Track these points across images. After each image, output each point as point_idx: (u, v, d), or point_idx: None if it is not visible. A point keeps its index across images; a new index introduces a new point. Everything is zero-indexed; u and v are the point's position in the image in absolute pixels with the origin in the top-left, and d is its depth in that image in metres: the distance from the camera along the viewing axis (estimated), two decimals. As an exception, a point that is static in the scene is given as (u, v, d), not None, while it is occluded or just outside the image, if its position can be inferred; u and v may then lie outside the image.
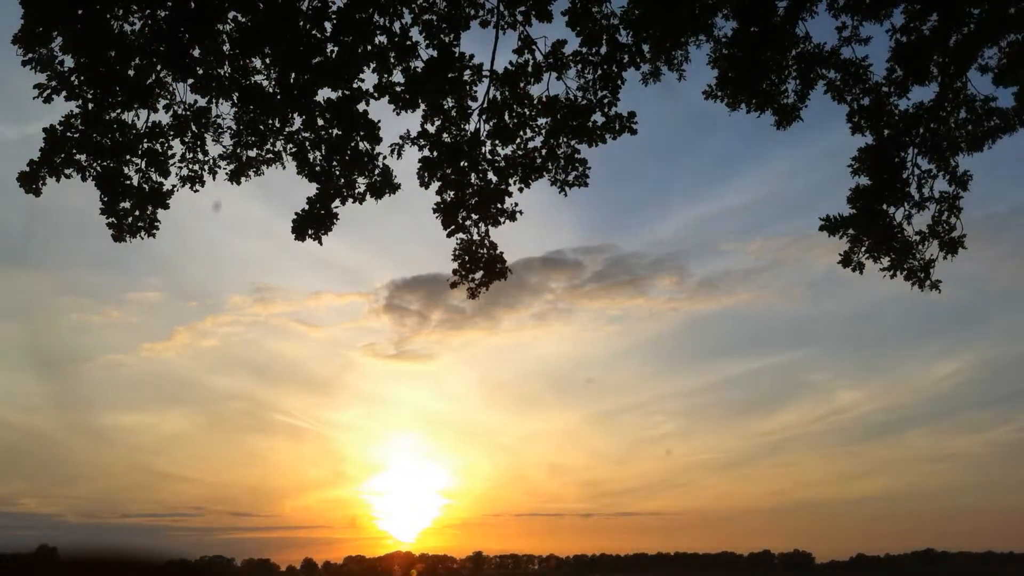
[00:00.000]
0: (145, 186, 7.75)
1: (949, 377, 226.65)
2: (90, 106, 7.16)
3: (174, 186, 7.91)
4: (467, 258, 8.55)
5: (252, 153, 8.22)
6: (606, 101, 7.96)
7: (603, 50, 7.82)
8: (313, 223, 8.13)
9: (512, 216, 8.44)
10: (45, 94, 6.95)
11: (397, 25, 7.41)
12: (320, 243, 8.08)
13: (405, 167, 8.20)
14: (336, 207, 8.15)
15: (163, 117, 7.68)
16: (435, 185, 8.27)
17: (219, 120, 7.93)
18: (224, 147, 8.15)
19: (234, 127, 8.04)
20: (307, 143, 7.99)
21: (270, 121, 7.94)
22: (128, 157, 7.60)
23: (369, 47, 7.39)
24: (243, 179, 8.25)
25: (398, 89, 7.59)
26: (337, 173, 8.08)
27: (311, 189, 8.11)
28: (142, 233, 7.77)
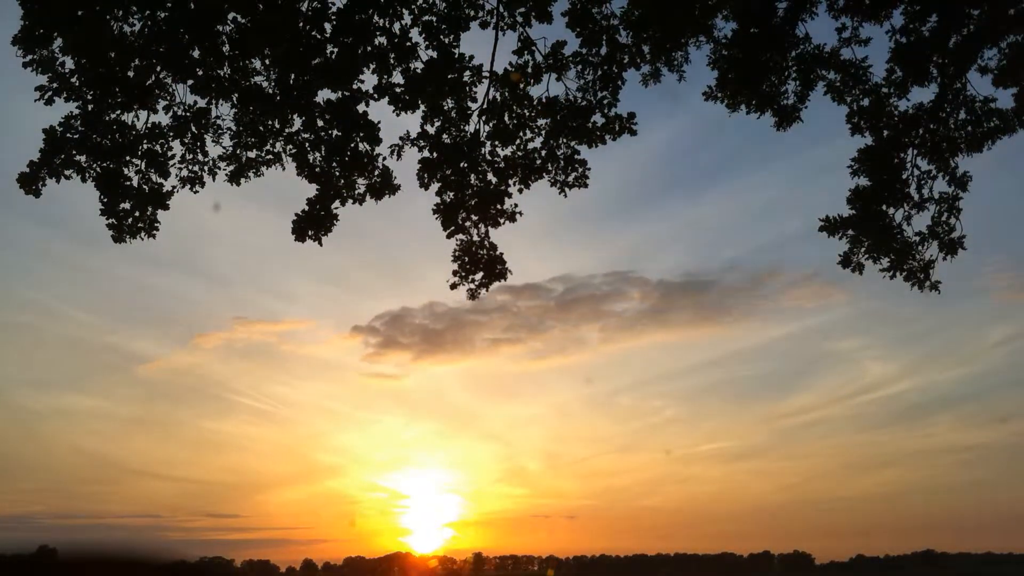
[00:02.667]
0: (145, 187, 7.75)
1: (1004, 344, 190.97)
2: (90, 107, 7.17)
3: (174, 187, 7.92)
4: (467, 259, 8.55)
5: (252, 154, 8.23)
6: (606, 102, 7.98)
7: (603, 51, 7.83)
8: (313, 224, 8.14)
9: (512, 217, 8.46)
10: (46, 96, 6.96)
11: (397, 26, 7.42)
12: (320, 244, 8.09)
13: (405, 169, 8.23)
14: (336, 208, 8.17)
15: (163, 118, 7.69)
16: (434, 186, 8.29)
17: (219, 121, 7.94)
18: (224, 148, 8.15)
19: (234, 128, 8.04)
20: (307, 144, 7.99)
21: (270, 122, 7.94)
22: (128, 158, 7.61)
23: (369, 48, 7.40)
24: (243, 180, 8.26)
25: (398, 90, 7.59)
26: (337, 174, 8.08)
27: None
28: (142, 234, 7.78)
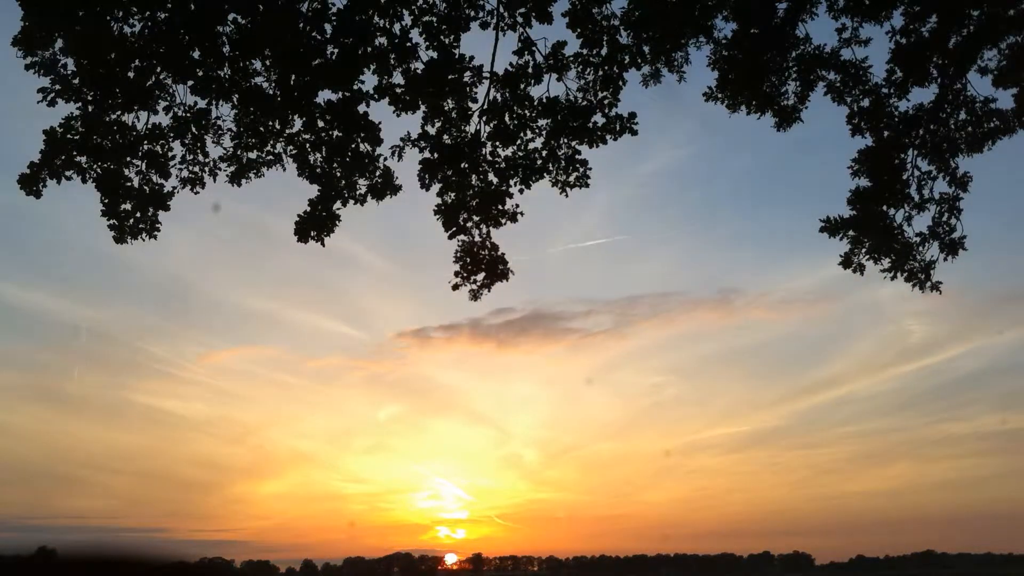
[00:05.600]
0: (146, 188, 7.75)
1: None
2: (90, 108, 7.17)
3: (175, 188, 7.92)
4: (468, 260, 8.55)
5: (252, 155, 8.22)
6: (606, 102, 7.97)
7: (603, 51, 7.83)
8: (315, 225, 8.15)
9: (513, 217, 8.46)
10: (48, 98, 6.96)
11: (397, 27, 7.42)
12: (323, 244, 8.10)
13: (405, 170, 8.23)
14: (337, 209, 8.17)
15: (163, 119, 7.68)
16: (435, 187, 8.29)
17: (219, 122, 7.92)
18: (224, 149, 8.14)
19: (234, 129, 8.03)
20: (307, 145, 7.99)
21: (270, 123, 7.94)
22: (128, 159, 7.61)
23: (369, 49, 7.40)
24: (244, 181, 8.25)
25: (398, 91, 7.59)
26: (338, 175, 8.08)
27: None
28: (143, 235, 7.78)
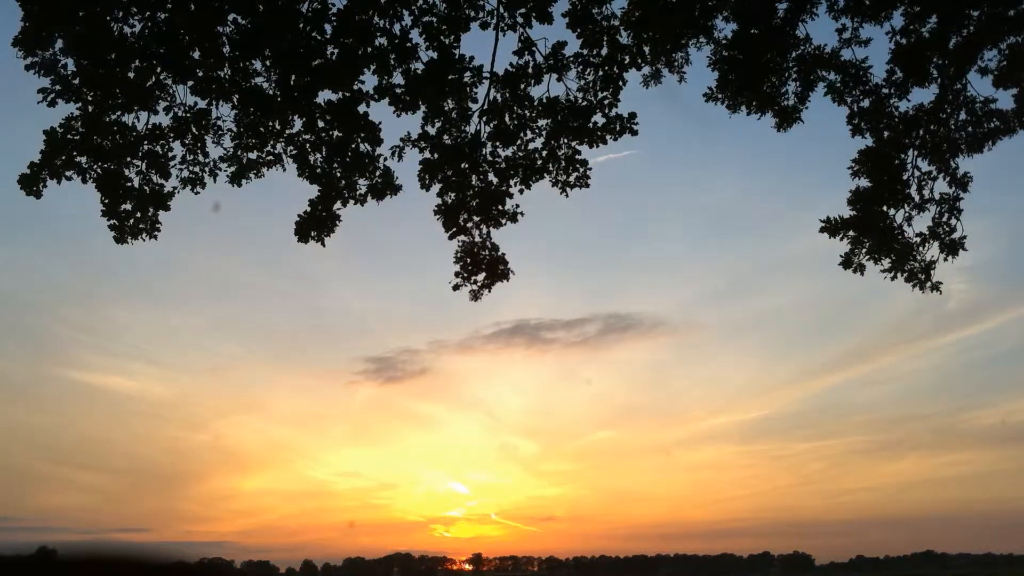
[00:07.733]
0: (146, 188, 7.75)
1: None
2: (90, 108, 7.17)
3: (175, 188, 7.92)
4: (469, 260, 8.55)
5: (253, 155, 8.22)
6: (606, 102, 7.97)
7: (603, 51, 7.83)
8: (315, 225, 8.15)
9: (513, 217, 8.46)
10: (49, 98, 6.96)
11: (397, 27, 7.42)
12: (323, 244, 8.10)
13: (406, 170, 8.23)
14: (337, 209, 8.17)
15: (163, 119, 7.68)
16: (435, 188, 8.29)
17: (219, 122, 7.92)
18: (225, 149, 8.14)
19: (234, 129, 8.02)
20: (308, 145, 7.99)
21: (271, 123, 7.94)
22: (129, 159, 7.61)
23: (369, 49, 7.40)
24: (244, 181, 8.25)
25: (398, 91, 7.59)
26: (338, 175, 8.09)
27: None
28: (143, 235, 7.79)
